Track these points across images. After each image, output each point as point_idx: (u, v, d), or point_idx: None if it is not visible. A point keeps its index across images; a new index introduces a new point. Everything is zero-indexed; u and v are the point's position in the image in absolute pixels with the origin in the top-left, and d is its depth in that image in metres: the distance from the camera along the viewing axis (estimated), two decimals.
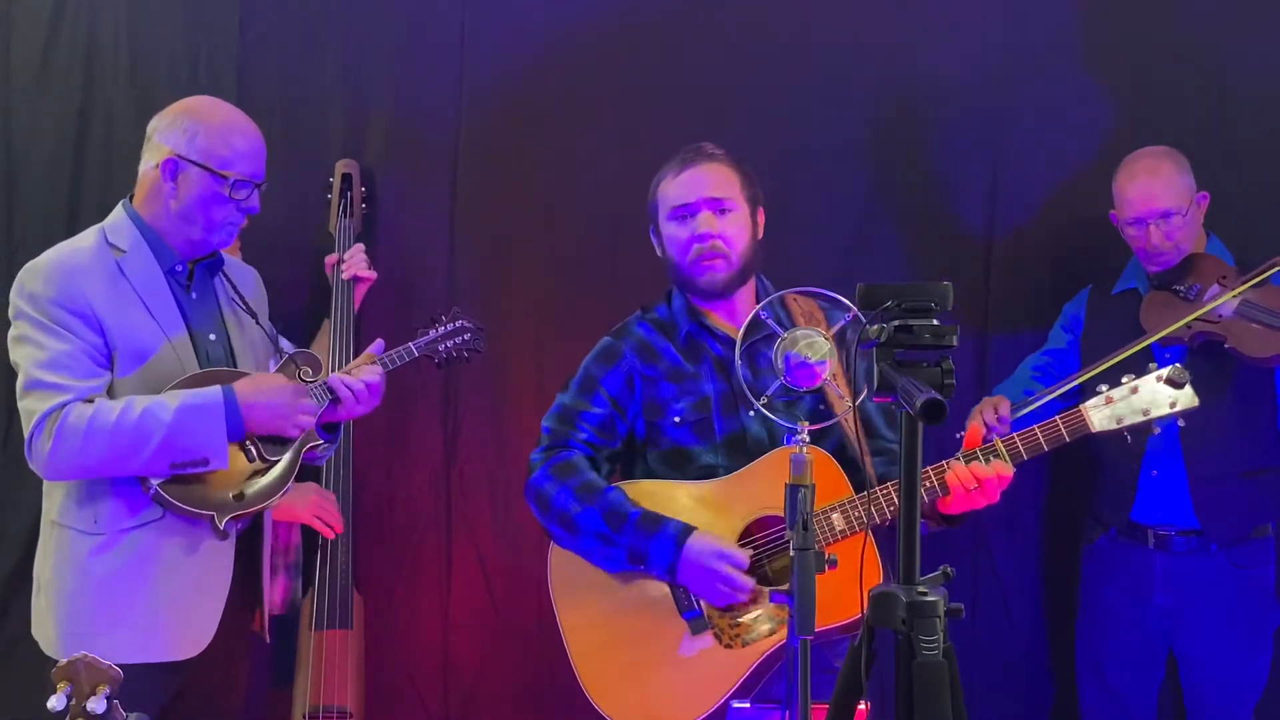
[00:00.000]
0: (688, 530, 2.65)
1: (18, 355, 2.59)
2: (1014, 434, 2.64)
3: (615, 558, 2.72)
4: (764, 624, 2.65)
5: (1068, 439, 2.64)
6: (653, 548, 2.66)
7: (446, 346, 3.03)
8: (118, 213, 2.69)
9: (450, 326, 3.04)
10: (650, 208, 2.85)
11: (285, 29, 3.70)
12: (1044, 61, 3.58)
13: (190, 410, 2.55)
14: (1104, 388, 2.66)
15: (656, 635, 2.70)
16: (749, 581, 2.63)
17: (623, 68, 3.65)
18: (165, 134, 2.65)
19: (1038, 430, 2.64)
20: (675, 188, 2.78)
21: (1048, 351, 3.41)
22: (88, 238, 2.67)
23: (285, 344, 2.91)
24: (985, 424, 3.08)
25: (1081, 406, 2.65)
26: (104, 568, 2.58)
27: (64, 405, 2.51)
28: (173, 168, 2.62)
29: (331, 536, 3.38)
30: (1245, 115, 3.51)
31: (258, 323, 2.82)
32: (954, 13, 3.59)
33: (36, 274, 2.58)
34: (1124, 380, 2.67)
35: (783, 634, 2.62)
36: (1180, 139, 3.29)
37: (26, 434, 2.55)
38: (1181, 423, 3.08)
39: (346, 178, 3.60)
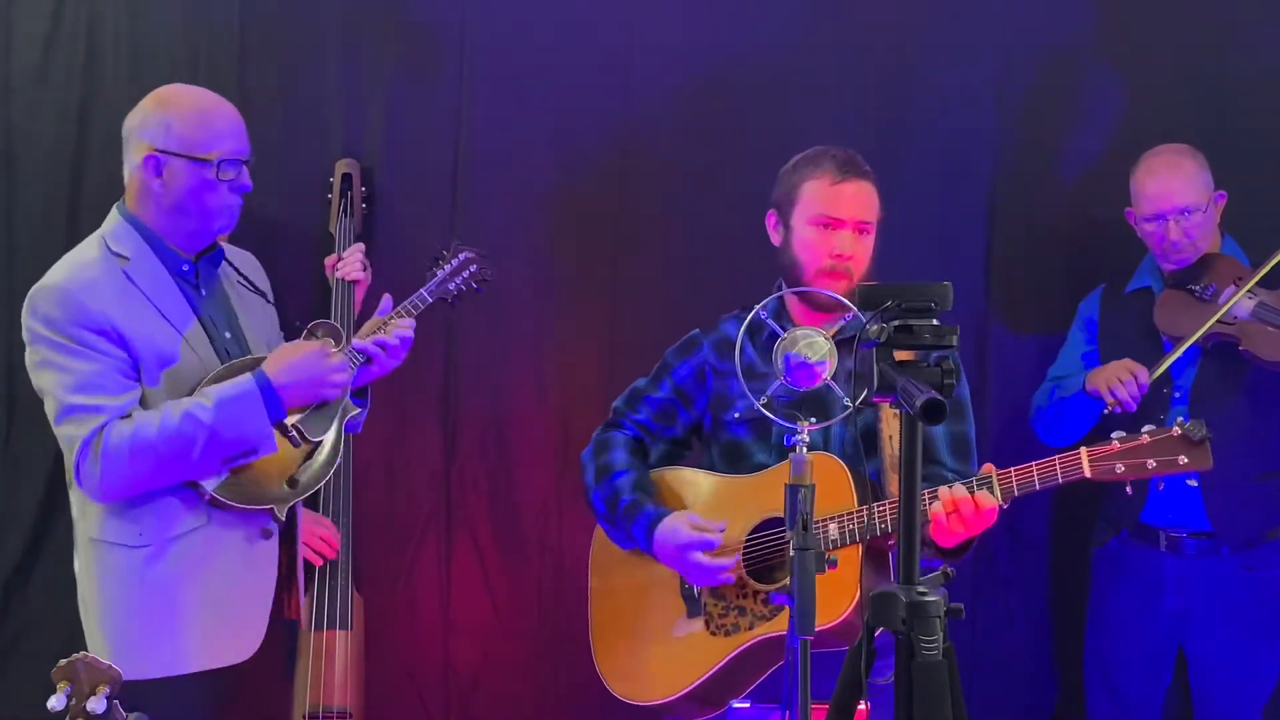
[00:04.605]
0: (658, 518, 2.73)
1: (43, 382, 2.54)
2: (1010, 469, 2.55)
3: (618, 539, 2.84)
4: (746, 618, 2.68)
5: (1060, 481, 2.53)
6: (636, 534, 2.76)
7: (456, 283, 3.00)
8: (114, 218, 2.65)
9: (456, 261, 3.01)
10: (782, 196, 2.78)
11: (285, 29, 3.69)
12: (1047, 60, 3.58)
13: (228, 403, 2.52)
14: (1118, 435, 2.53)
15: (660, 612, 2.79)
16: (722, 562, 2.66)
17: (624, 66, 3.64)
18: (141, 131, 2.59)
19: (1034, 468, 2.54)
20: (829, 195, 2.72)
21: (1070, 357, 3.37)
22: (91, 249, 2.63)
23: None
24: (1129, 396, 3.03)
25: (1083, 450, 2.53)
26: (153, 580, 2.55)
27: (103, 427, 2.47)
28: (155, 164, 2.57)
29: (320, 564, 3.34)
30: (1253, 114, 3.50)
31: (268, 301, 2.80)
32: (957, 10, 3.59)
33: (49, 296, 2.53)
34: (1144, 430, 2.53)
35: (760, 630, 2.65)
36: (1186, 139, 3.29)
37: (70, 462, 2.51)
38: (1192, 483, 3.07)
39: (346, 178, 3.60)
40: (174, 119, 2.58)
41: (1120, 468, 2.52)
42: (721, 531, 2.69)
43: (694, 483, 2.82)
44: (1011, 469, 2.56)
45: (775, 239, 2.82)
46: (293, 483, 2.63)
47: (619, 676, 2.83)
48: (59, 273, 2.59)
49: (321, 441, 2.67)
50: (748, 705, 2.48)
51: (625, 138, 3.64)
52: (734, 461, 2.81)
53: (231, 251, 2.82)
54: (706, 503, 2.77)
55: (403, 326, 2.76)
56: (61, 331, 2.50)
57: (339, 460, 2.72)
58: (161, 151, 2.57)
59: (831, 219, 2.71)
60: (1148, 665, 3.30)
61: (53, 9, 3.67)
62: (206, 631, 2.58)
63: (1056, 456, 2.56)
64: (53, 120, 3.67)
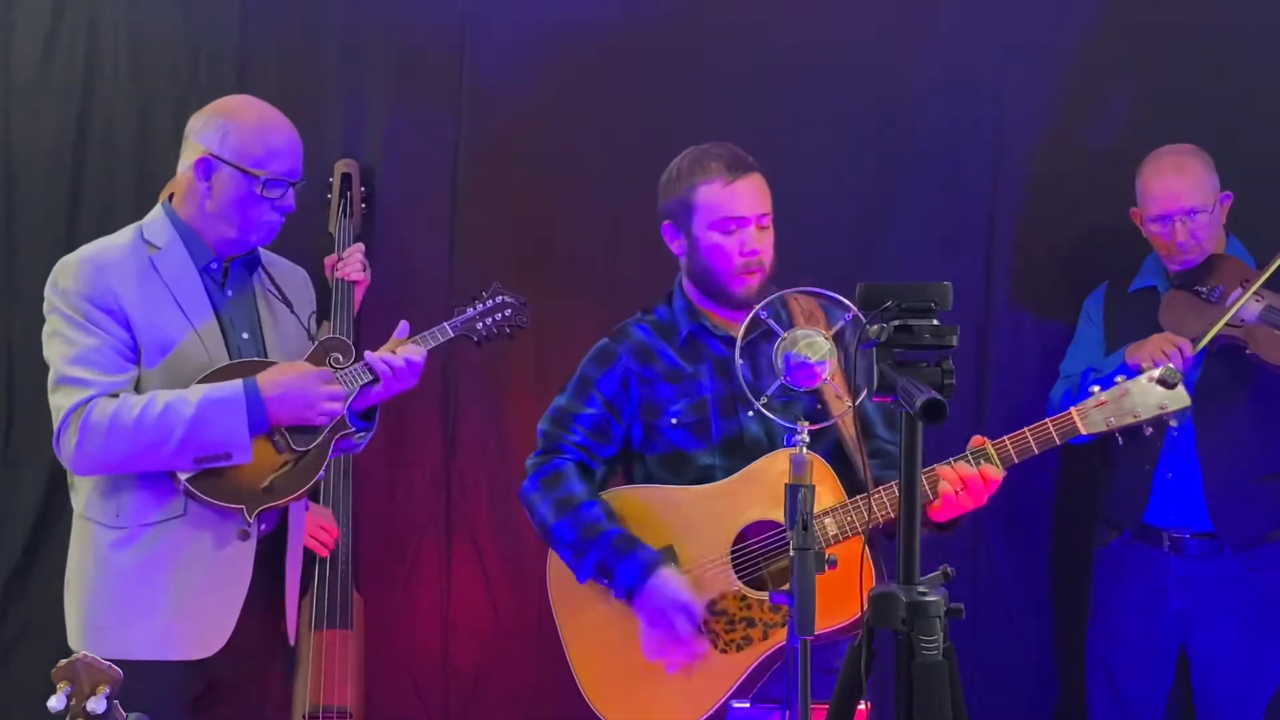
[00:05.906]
0: (659, 561, 2.65)
1: (49, 351, 2.61)
2: (1004, 437, 2.60)
3: (583, 568, 2.72)
4: (757, 628, 2.65)
5: (1058, 441, 2.60)
6: (621, 567, 2.66)
7: (486, 324, 2.94)
8: (156, 212, 2.70)
9: (489, 303, 2.96)
10: (676, 206, 2.74)
11: (285, 29, 3.70)
12: (1050, 60, 3.58)
13: (211, 404, 2.54)
14: (1096, 389, 2.62)
15: None
16: (700, 640, 2.63)
17: (623, 68, 3.64)
18: (200, 133, 2.64)
19: (1028, 433, 2.59)
20: (725, 197, 2.69)
21: (1085, 351, 3.37)
22: (123, 235, 2.69)
23: None
24: (1172, 366, 3.01)
25: (1072, 409, 2.61)
26: (124, 562, 2.58)
27: (88, 400, 2.52)
28: (206, 167, 2.62)
29: (326, 555, 3.36)
30: (1259, 116, 3.50)
31: (293, 312, 2.79)
32: (959, 8, 3.59)
33: (67, 270, 2.60)
34: (1117, 380, 2.63)
35: (775, 638, 2.62)
36: (1192, 140, 3.27)
37: (55, 429, 2.56)
38: (1173, 424, 3.06)
39: (346, 178, 3.60)
40: (233, 128, 2.62)
41: (1111, 420, 2.59)
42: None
43: (655, 504, 2.73)
44: (1005, 437, 2.59)
45: (677, 250, 2.78)
46: (269, 488, 2.62)
47: (626, 713, 2.72)
48: (84, 250, 2.66)
49: (306, 452, 2.66)
50: (748, 705, 2.48)
51: (626, 136, 3.63)
52: (675, 468, 2.75)
53: (274, 261, 2.83)
54: (676, 522, 2.69)
55: (413, 352, 2.73)
56: (70, 304, 2.57)
57: (321, 474, 2.69)
58: (214, 157, 2.62)
59: (734, 219, 2.69)
60: (1150, 665, 3.29)
61: (53, 9, 3.68)
62: (168, 622, 2.59)
63: (1049, 419, 2.61)
64: (53, 120, 3.68)
